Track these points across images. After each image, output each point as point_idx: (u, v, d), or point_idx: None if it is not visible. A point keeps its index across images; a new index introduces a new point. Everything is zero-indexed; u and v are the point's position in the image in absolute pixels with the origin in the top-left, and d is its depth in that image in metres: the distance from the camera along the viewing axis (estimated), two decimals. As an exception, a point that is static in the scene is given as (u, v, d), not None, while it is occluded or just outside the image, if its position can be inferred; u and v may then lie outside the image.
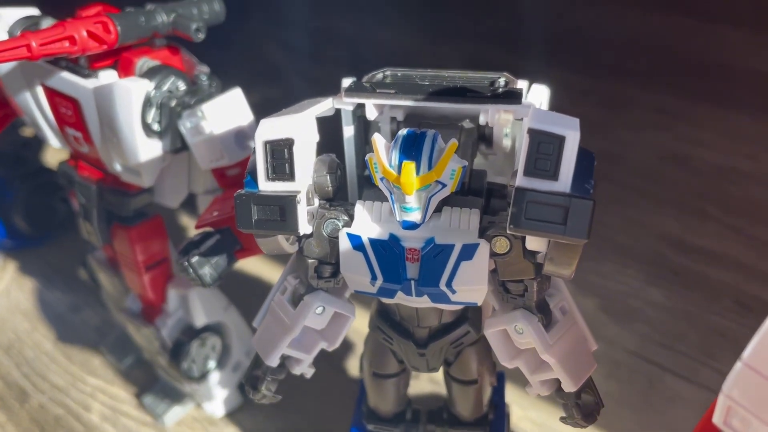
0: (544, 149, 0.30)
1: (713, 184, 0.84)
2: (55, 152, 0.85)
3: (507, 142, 0.40)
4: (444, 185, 0.33)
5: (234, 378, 0.60)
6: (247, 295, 0.60)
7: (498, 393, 0.49)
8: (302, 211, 0.34)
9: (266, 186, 0.34)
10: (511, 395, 0.60)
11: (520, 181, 0.30)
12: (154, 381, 0.64)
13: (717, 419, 0.27)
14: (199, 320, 0.56)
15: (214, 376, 0.59)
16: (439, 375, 0.46)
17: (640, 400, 0.60)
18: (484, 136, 0.40)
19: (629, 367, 0.63)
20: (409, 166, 0.32)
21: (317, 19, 1.27)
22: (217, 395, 0.60)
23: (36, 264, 0.81)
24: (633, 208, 0.82)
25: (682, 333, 0.65)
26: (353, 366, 0.65)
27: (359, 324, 0.44)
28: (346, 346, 0.67)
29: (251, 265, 0.76)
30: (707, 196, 0.82)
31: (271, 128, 0.33)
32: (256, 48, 1.22)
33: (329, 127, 0.40)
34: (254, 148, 0.34)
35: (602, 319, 0.68)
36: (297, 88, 1.08)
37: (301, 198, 0.34)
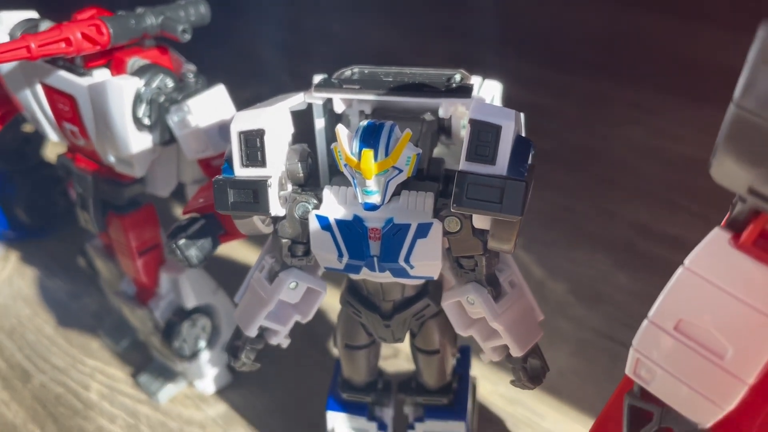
0: (483, 137, 0.34)
1: (683, 175, 0.88)
2: (54, 148, 0.89)
3: (464, 133, 0.44)
4: (400, 170, 0.37)
5: (223, 357, 0.64)
6: (234, 280, 0.64)
7: (463, 365, 0.53)
8: (273, 194, 0.38)
9: (241, 172, 0.38)
10: (481, 371, 0.64)
11: (463, 165, 0.34)
12: (149, 361, 0.68)
13: (628, 370, 0.31)
14: (190, 302, 0.60)
15: (205, 355, 0.63)
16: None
17: (604, 376, 0.64)
18: (444, 128, 0.43)
19: (595, 346, 0.67)
20: (368, 153, 0.36)
21: (307, 18, 1.30)
22: (207, 373, 0.64)
23: (37, 254, 0.85)
24: (605, 199, 0.86)
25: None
26: (334, 348, 0.69)
27: (337, 304, 0.48)
28: (326, 327, 0.71)
29: (239, 252, 0.80)
30: (677, 187, 0.86)
31: (245, 120, 0.38)
32: (248, 47, 1.26)
33: (306, 119, 0.43)
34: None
35: (571, 301, 0.72)
36: (286, 85, 1.11)
37: (272, 182, 0.38)
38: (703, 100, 0.98)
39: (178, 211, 0.87)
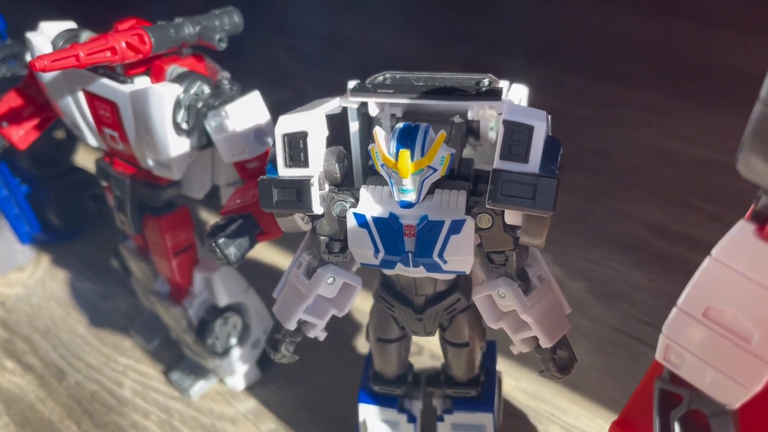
0: (516, 137, 0.36)
1: (697, 177, 0.90)
2: (85, 154, 0.92)
3: (492, 135, 0.46)
4: (435, 170, 0.39)
5: (253, 354, 0.66)
6: (264, 280, 0.67)
7: (490, 359, 0.55)
8: (315, 193, 0.40)
9: (285, 172, 0.40)
10: (505, 368, 0.66)
11: (497, 164, 0.36)
12: (180, 359, 0.70)
13: (658, 356, 0.33)
14: (222, 300, 0.62)
15: (235, 352, 0.65)
16: (441, 351, 0.52)
17: (624, 372, 0.66)
18: (472, 130, 0.45)
19: (614, 343, 0.69)
20: (405, 153, 0.38)
21: (325, 26, 1.33)
22: (238, 370, 0.66)
23: (67, 257, 0.88)
24: (620, 200, 0.87)
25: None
26: (359, 345, 0.71)
27: (365, 305, 0.50)
28: (352, 326, 0.73)
29: (268, 253, 0.82)
30: (691, 188, 0.88)
31: (289, 123, 0.40)
32: (268, 55, 1.29)
33: (338, 123, 0.46)
34: (274, 140, 0.40)
35: (589, 300, 0.74)
36: (306, 91, 1.14)
37: (314, 182, 0.40)
38: (717, 102, 1.00)
39: (211, 213, 0.90)
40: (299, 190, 0.40)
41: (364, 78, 0.45)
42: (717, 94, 1.02)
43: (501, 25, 1.18)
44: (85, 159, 0.92)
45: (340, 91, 0.45)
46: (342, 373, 0.67)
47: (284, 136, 0.40)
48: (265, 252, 0.82)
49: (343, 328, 0.72)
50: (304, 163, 0.40)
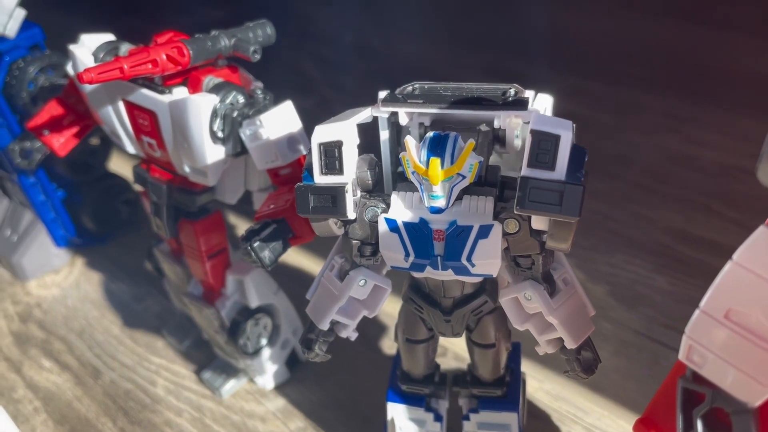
0: (543, 146, 0.38)
1: (718, 182, 0.90)
2: (118, 160, 0.95)
3: (518, 143, 0.47)
4: (464, 177, 0.41)
5: (282, 354, 0.68)
6: (293, 282, 0.69)
7: (514, 361, 0.56)
8: (349, 199, 0.42)
9: (320, 179, 0.42)
10: (528, 369, 0.68)
11: (525, 171, 0.38)
12: (211, 359, 0.73)
13: (681, 356, 0.35)
14: (253, 302, 0.64)
15: (266, 353, 0.67)
16: (465, 353, 0.54)
17: (646, 374, 0.67)
18: (498, 138, 0.46)
19: (636, 346, 0.70)
20: (436, 161, 0.40)
21: (348, 34, 1.35)
22: (267, 370, 0.68)
23: (102, 260, 0.90)
24: (641, 205, 0.88)
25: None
26: (385, 347, 0.73)
27: (392, 308, 0.52)
28: (378, 329, 0.74)
29: (296, 257, 0.84)
30: (712, 193, 0.88)
31: (325, 133, 0.42)
32: (293, 62, 1.31)
33: (367, 132, 0.47)
34: (310, 149, 0.42)
35: (611, 304, 0.75)
36: (330, 99, 1.16)
37: (348, 188, 0.42)
38: (738, 108, 1.00)
39: (243, 218, 0.92)
40: (334, 196, 0.42)
41: (389, 86, 0.47)
42: (738, 99, 1.02)
43: (523, 32, 1.19)
44: (118, 165, 0.95)
45: (365, 98, 0.47)
46: (368, 374, 0.69)
47: (320, 145, 0.41)
48: (293, 256, 0.84)
49: (369, 330, 0.74)
50: (339, 171, 0.42)
